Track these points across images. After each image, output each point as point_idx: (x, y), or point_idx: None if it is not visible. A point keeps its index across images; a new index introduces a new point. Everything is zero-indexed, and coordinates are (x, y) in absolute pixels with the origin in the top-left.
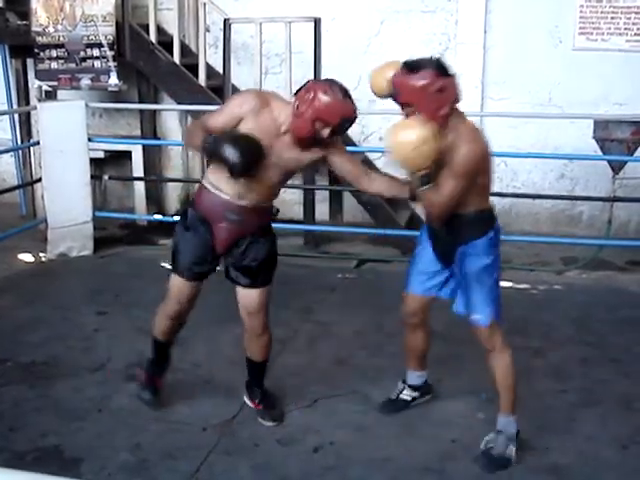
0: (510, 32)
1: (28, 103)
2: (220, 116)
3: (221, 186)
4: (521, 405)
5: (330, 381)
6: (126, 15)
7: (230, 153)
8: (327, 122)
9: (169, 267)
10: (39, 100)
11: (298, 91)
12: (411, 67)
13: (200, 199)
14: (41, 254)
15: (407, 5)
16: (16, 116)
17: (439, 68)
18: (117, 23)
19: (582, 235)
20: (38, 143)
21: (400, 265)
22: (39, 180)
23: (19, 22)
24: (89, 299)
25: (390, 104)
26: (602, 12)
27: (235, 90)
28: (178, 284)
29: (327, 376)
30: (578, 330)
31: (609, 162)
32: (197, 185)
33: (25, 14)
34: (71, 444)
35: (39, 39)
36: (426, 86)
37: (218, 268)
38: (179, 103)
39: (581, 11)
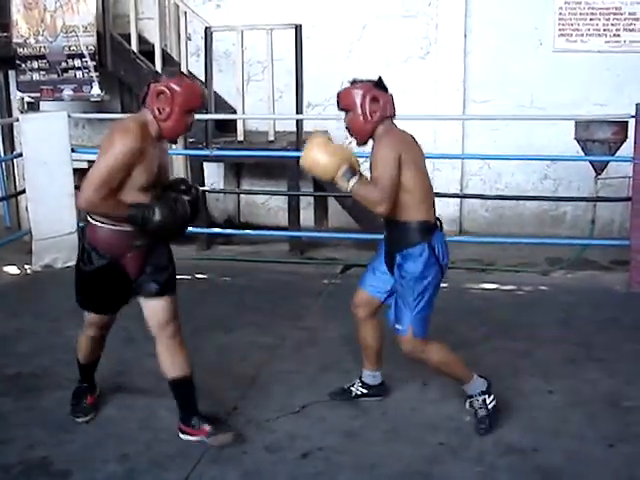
0: (490, 35)
1: (10, 115)
2: (114, 170)
3: (121, 220)
4: (508, 406)
5: (318, 387)
6: (107, 25)
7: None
8: (194, 107)
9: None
10: (21, 112)
11: (144, 99)
12: (354, 81)
13: (98, 238)
14: (26, 266)
15: (388, 10)
16: None
17: (377, 84)
18: (98, 33)
19: (566, 235)
20: (21, 155)
21: None
22: (23, 192)
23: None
24: (75, 310)
25: None
26: (581, 14)
27: (218, 98)
28: (92, 317)
29: (315, 382)
30: (564, 330)
31: (591, 162)
32: (90, 226)
33: (5, 26)
34: (59, 456)
35: (20, 50)
36: (362, 93)
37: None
38: None
39: (560, 13)
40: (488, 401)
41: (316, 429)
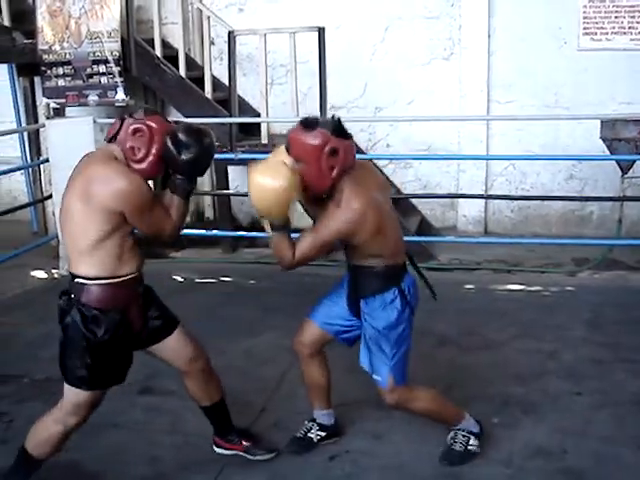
0: (514, 35)
1: (36, 121)
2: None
3: (119, 271)
4: (536, 408)
5: (344, 389)
6: (131, 30)
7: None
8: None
9: (180, 280)
10: (47, 118)
11: (111, 140)
12: (307, 124)
13: (106, 297)
14: (53, 270)
15: (411, 11)
16: (25, 134)
17: (336, 130)
18: (122, 39)
19: (593, 235)
20: (47, 160)
21: (410, 271)
22: (50, 197)
23: (25, 41)
24: None
25: (397, 112)
26: (606, 12)
27: (242, 101)
28: (87, 398)
29: (341, 384)
30: (591, 331)
31: (617, 162)
32: (86, 287)
33: (31, 33)
34: (89, 458)
35: (46, 57)
36: (318, 146)
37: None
38: (186, 116)
39: (584, 11)
40: (471, 442)
41: (342, 431)
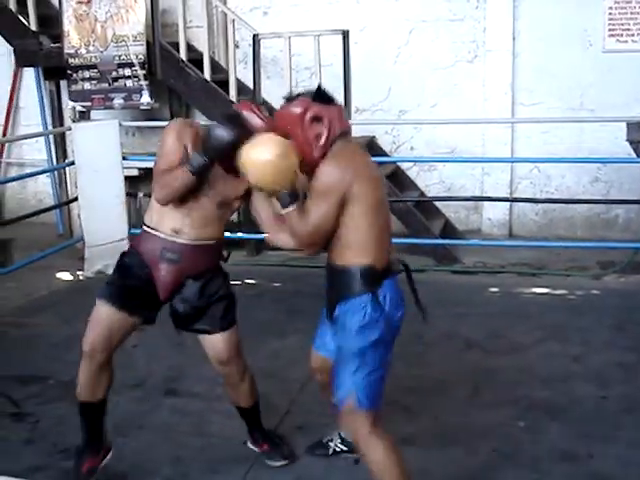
0: (539, 37)
1: (62, 124)
2: (170, 155)
3: (157, 225)
4: (562, 412)
5: None
6: (156, 34)
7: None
8: None
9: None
10: (73, 121)
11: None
12: (289, 97)
13: (138, 241)
14: (78, 272)
15: (435, 14)
16: (51, 137)
17: (318, 96)
18: (147, 42)
19: (618, 239)
20: (73, 163)
21: (435, 274)
22: (75, 199)
23: (52, 45)
24: None
25: (421, 114)
26: (631, 13)
27: (266, 105)
28: (101, 312)
29: None
30: (616, 335)
31: None
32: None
33: (57, 37)
34: (114, 460)
35: (72, 61)
36: (299, 114)
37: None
38: (211, 119)
39: (610, 13)
40: None
41: None
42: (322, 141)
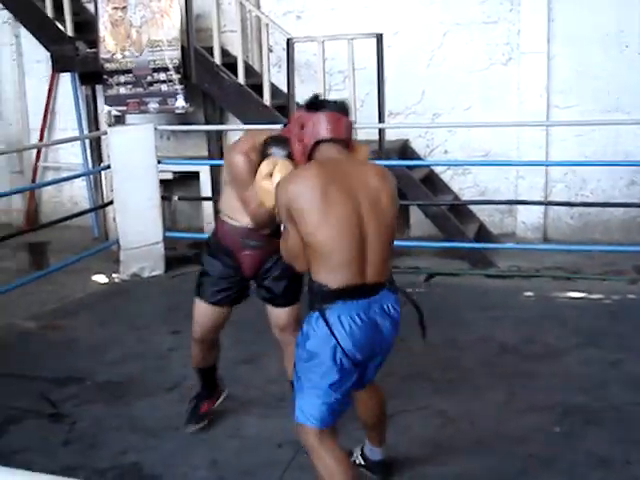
0: (574, 39)
1: (98, 128)
2: (246, 181)
3: (236, 216)
4: (598, 418)
5: (404, 396)
6: (191, 39)
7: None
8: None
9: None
10: (109, 125)
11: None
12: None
13: (219, 230)
14: (114, 275)
15: (469, 17)
16: (87, 141)
17: (308, 105)
18: (182, 47)
19: None
20: (109, 167)
21: (470, 278)
22: (110, 203)
23: (88, 50)
24: (163, 318)
25: (455, 118)
26: None
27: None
28: (201, 309)
29: (401, 391)
30: None
31: None
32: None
33: (93, 42)
34: (150, 461)
35: (107, 66)
36: (292, 122)
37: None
38: (245, 123)
39: None
40: None
41: (402, 438)
42: (301, 146)
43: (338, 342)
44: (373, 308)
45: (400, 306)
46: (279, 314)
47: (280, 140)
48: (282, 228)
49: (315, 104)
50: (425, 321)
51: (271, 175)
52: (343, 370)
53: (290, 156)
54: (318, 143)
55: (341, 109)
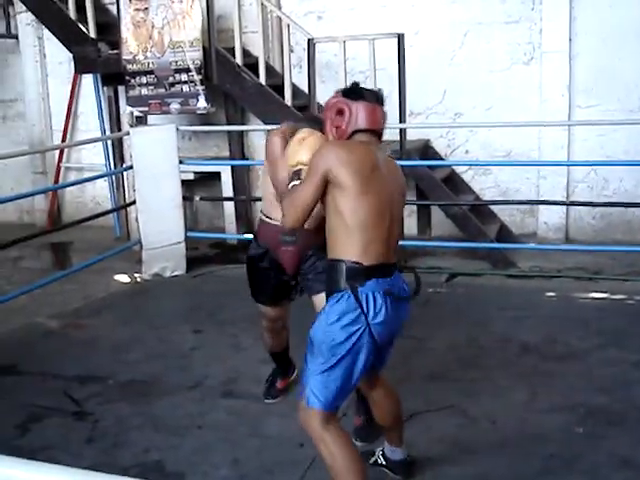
0: (596, 38)
1: (120, 129)
2: (279, 168)
3: (271, 214)
4: (621, 419)
5: (425, 396)
6: (212, 40)
7: None
8: None
9: None
10: (131, 126)
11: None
12: (337, 90)
13: (258, 231)
14: (136, 274)
15: (490, 16)
16: (109, 142)
17: (346, 92)
18: (204, 48)
19: None
20: (131, 167)
21: (491, 279)
22: (133, 203)
23: (110, 51)
24: (184, 318)
25: (476, 117)
26: None
27: (321, 108)
28: (262, 308)
29: (422, 391)
30: None
31: None
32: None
33: (115, 43)
34: (172, 459)
35: (129, 67)
36: (327, 107)
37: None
38: (266, 123)
39: None
40: None
41: (424, 438)
42: (339, 133)
43: (368, 321)
44: (397, 287)
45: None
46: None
47: (315, 121)
48: (290, 185)
49: (355, 92)
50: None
51: (304, 140)
52: (363, 350)
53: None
54: (355, 132)
55: (378, 99)
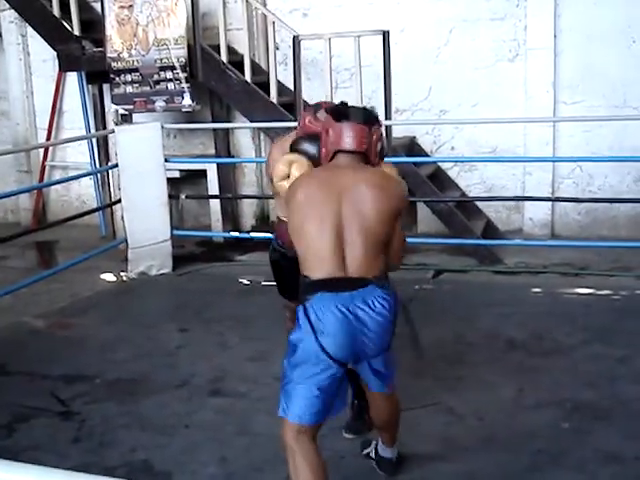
0: (581, 34)
1: (105, 127)
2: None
3: (285, 212)
4: (607, 414)
5: (412, 393)
6: (197, 37)
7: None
8: None
9: (247, 283)
10: (116, 124)
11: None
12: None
13: (276, 231)
14: (122, 273)
15: (475, 13)
16: (94, 140)
17: (331, 112)
18: (189, 45)
19: None
20: (116, 166)
21: (477, 275)
22: (118, 201)
23: (94, 49)
24: (170, 316)
25: (461, 114)
26: None
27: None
28: (289, 303)
29: (408, 388)
30: None
31: None
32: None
33: (100, 41)
34: (160, 458)
35: (114, 64)
36: (322, 127)
37: None
38: (252, 121)
39: None
40: None
41: (411, 435)
42: (323, 154)
43: (315, 334)
44: (355, 302)
45: (394, 302)
46: None
47: (312, 138)
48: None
49: (339, 113)
50: (420, 339)
51: (288, 176)
52: (321, 364)
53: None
54: (337, 152)
55: (366, 118)
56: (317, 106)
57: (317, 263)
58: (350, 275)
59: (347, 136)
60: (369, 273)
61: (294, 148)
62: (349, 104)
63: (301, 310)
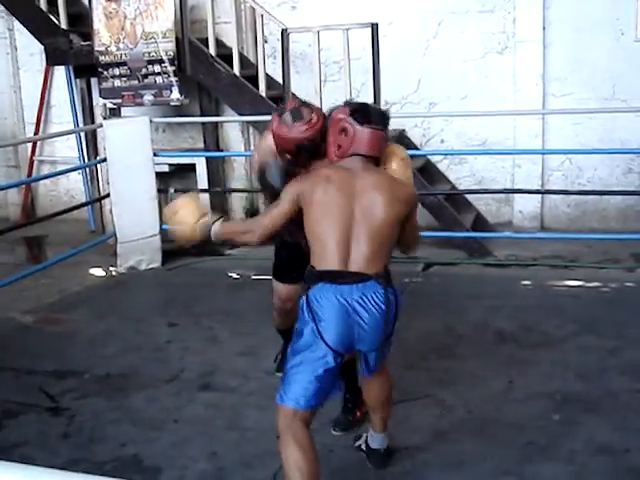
0: (570, 27)
1: (93, 121)
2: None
3: None
4: (597, 406)
5: (402, 386)
6: (185, 30)
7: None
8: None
9: (236, 277)
10: (104, 118)
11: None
12: (347, 102)
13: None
14: (111, 268)
15: (464, 6)
16: (82, 134)
17: (354, 112)
18: (177, 39)
19: None
20: (105, 160)
21: (467, 268)
22: (107, 196)
23: (82, 43)
24: (160, 311)
25: (451, 107)
26: None
27: (295, 99)
28: (279, 287)
29: (398, 381)
30: None
31: None
32: None
33: (87, 35)
34: (149, 453)
35: (102, 58)
36: (335, 121)
37: None
38: (240, 114)
39: None
40: None
41: (402, 428)
42: (338, 152)
43: (315, 321)
44: (354, 294)
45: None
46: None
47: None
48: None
49: (363, 114)
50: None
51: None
52: (319, 351)
53: (291, 164)
54: (353, 154)
55: (385, 123)
56: (282, 109)
57: (323, 256)
58: (352, 270)
59: (369, 143)
60: (371, 270)
61: (262, 182)
62: (367, 104)
63: (303, 299)
